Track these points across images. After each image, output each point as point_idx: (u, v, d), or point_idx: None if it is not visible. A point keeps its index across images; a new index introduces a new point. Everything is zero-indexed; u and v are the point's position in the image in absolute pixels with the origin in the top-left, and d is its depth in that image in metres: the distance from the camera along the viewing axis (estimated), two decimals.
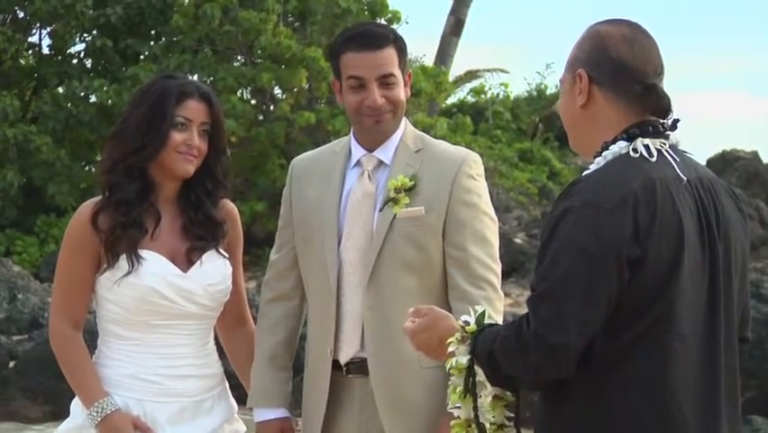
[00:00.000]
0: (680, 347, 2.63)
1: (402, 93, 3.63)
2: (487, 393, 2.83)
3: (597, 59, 2.76)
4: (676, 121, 2.77)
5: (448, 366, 2.82)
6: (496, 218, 3.68)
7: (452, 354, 2.80)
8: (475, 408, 2.83)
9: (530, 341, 2.61)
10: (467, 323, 2.80)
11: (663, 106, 2.74)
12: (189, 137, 3.66)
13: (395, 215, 3.56)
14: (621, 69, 2.74)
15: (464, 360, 2.79)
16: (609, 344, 2.61)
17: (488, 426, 2.84)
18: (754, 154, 19.99)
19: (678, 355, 2.63)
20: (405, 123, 3.70)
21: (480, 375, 2.78)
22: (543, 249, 2.66)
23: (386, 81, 3.58)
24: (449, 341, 2.81)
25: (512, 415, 2.85)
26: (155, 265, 3.64)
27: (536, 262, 2.70)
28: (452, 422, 2.90)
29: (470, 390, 2.81)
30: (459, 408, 2.87)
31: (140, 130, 3.65)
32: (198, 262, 3.70)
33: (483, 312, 2.82)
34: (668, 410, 2.63)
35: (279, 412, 3.74)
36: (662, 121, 2.77)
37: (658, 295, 2.61)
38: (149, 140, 3.64)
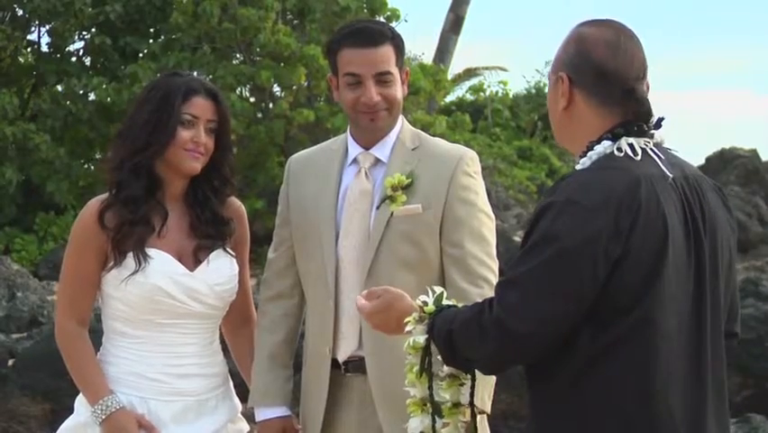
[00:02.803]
0: (664, 344, 2.64)
1: (398, 91, 3.62)
2: (443, 374, 2.85)
3: (578, 63, 2.77)
4: (660, 120, 2.79)
5: (405, 346, 2.84)
6: (493, 216, 3.68)
7: (410, 334, 2.83)
8: (430, 387, 2.86)
9: (491, 326, 2.64)
10: (425, 303, 2.83)
11: (643, 111, 2.76)
12: (196, 134, 3.66)
13: (392, 213, 3.56)
14: (602, 74, 2.76)
15: (421, 339, 2.82)
16: (594, 341, 2.63)
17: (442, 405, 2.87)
18: (753, 152, 20.00)
19: (662, 352, 2.64)
20: (402, 120, 3.70)
21: (437, 355, 2.81)
22: (524, 241, 2.69)
23: (382, 79, 3.58)
24: (406, 320, 2.85)
25: (467, 394, 2.87)
26: (162, 264, 3.64)
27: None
28: (407, 401, 2.92)
29: (427, 369, 2.83)
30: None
31: (146, 127, 3.65)
32: (205, 262, 3.70)
33: (441, 293, 2.85)
34: (654, 407, 2.63)
35: (281, 411, 3.74)
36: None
37: (642, 293, 2.62)
38: (156, 137, 3.64)
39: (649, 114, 2.76)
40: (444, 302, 2.84)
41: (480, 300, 2.80)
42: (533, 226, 2.66)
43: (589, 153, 2.74)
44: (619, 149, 2.71)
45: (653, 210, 2.64)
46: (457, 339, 2.73)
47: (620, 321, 2.62)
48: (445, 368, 2.85)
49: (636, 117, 2.75)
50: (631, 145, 2.72)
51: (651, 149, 2.74)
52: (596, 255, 2.58)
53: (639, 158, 2.70)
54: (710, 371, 2.71)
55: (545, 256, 2.60)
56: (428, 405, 2.88)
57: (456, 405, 2.88)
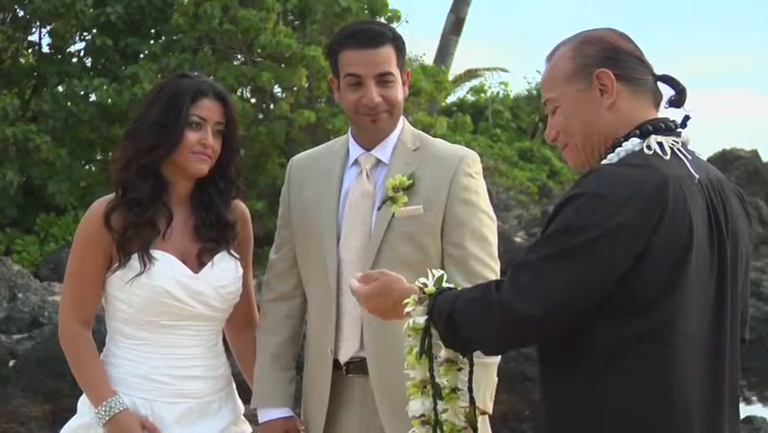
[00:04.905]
0: (684, 346, 2.62)
1: (399, 92, 3.62)
2: (441, 359, 2.84)
3: (614, 57, 2.77)
4: (686, 118, 2.78)
5: (405, 327, 2.83)
6: (494, 217, 3.68)
7: (409, 315, 2.82)
8: (431, 369, 2.84)
9: (497, 305, 2.62)
10: (425, 285, 2.82)
11: (682, 88, 2.76)
12: (204, 136, 3.66)
13: (393, 214, 3.56)
14: (637, 61, 2.77)
15: (421, 320, 2.80)
16: (612, 337, 2.61)
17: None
18: (754, 153, 20.03)
19: (682, 354, 2.62)
20: (403, 121, 3.70)
21: (436, 337, 2.80)
22: (545, 228, 2.68)
23: (383, 80, 3.58)
24: (406, 301, 2.82)
25: (465, 380, 2.87)
26: (167, 266, 3.64)
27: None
28: (407, 383, 2.91)
29: (427, 351, 2.82)
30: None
31: (154, 129, 3.64)
32: (210, 264, 3.70)
33: (442, 276, 2.84)
34: (672, 409, 2.62)
35: (283, 412, 3.74)
36: (672, 119, 2.78)
37: (663, 292, 2.60)
38: (163, 139, 3.64)
39: (684, 90, 2.77)
40: (445, 284, 2.83)
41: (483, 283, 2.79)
42: (555, 215, 2.64)
43: (617, 150, 2.72)
44: (649, 147, 2.70)
45: (680, 211, 2.62)
46: (459, 319, 2.70)
47: (640, 319, 2.60)
48: (443, 352, 2.84)
49: (679, 97, 2.76)
50: (660, 144, 2.71)
51: (678, 149, 2.73)
52: (614, 250, 2.57)
53: (668, 157, 2.69)
54: (728, 375, 2.70)
55: (565, 245, 2.59)
56: (428, 387, 2.86)
57: (454, 390, 2.87)
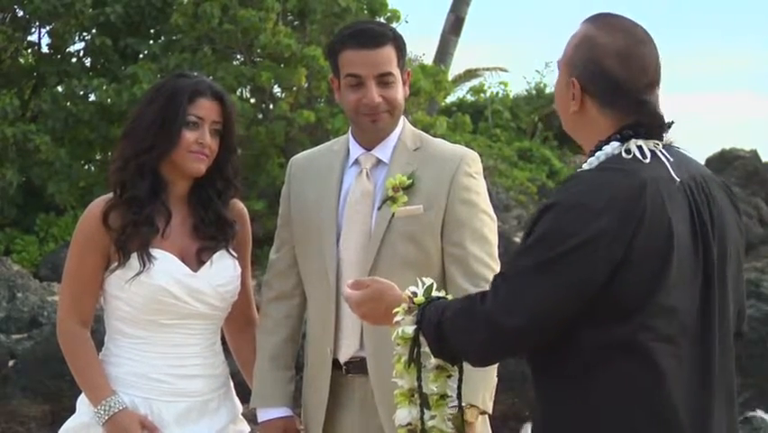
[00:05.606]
0: (669, 349, 2.62)
1: (400, 92, 3.62)
2: (430, 366, 2.85)
3: (590, 72, 2.74)
4: (670, 123, 2.76)
5: (393, 336, 2.84)
6: (494, 216, 3.68)
7: (399, 324, 2.83)
8: (419, 378, 2.85)
9: (481, 318, 2.63)
10: (415, 294, 2.83)
11: (656, 126, 2.73)
12: (201, 136, 3.67)
13: (393, 213, 3.56)
14: (613, 86, 2.72)
15: (410, 330, 2.81)
16: (598, 342, 2.62)
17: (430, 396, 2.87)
18: (754, 153, 19.99)
19: (668, 356, 2.62)
20: (403, 121, 3.70)
21: (425, 346, 2.80)
22: (524, 238, 2.68)
23: (384, 80, 3.58)
24: (395, 310, 2.84)
25: (454, 387, 2.87)
26: (166, 264, 3.64)
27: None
28: (395, 391, 2.91)
29: (415, 360, 2.83)
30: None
31: (152, 129, 3.66)
32: (209, 263, 3.70)
33: (431, 285, 2.84)
34: (662, 412, 2.62)
35: (283, 411, 3.75)
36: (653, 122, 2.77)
37: (646, 296, 2.60)
38: (161, 139, 3.65)
39: (662, 127, 2.74)
40: (434, 294, 2.84)
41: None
42: (534, 224, 2.65)
43: (597, 154, 2.71)
44: (628, 150, 2.69)
45: (658, 214, 2.62)
46: (447, 330, 2.72)
47: (623, 323, 2.60)
48: (433, 360, 2.85)
49: (649, 127, 2.73)
50: (640, 147, 2.70)
51: (660, 151, 2.72)
52: (595, 258, 2.57)
53: (648, 160, 2.68)
54: (719, 376, 2.70)
55: (545, 255, 2.59)
56: (416, 396, 2.88)
57: (443, 397, 2.88)
